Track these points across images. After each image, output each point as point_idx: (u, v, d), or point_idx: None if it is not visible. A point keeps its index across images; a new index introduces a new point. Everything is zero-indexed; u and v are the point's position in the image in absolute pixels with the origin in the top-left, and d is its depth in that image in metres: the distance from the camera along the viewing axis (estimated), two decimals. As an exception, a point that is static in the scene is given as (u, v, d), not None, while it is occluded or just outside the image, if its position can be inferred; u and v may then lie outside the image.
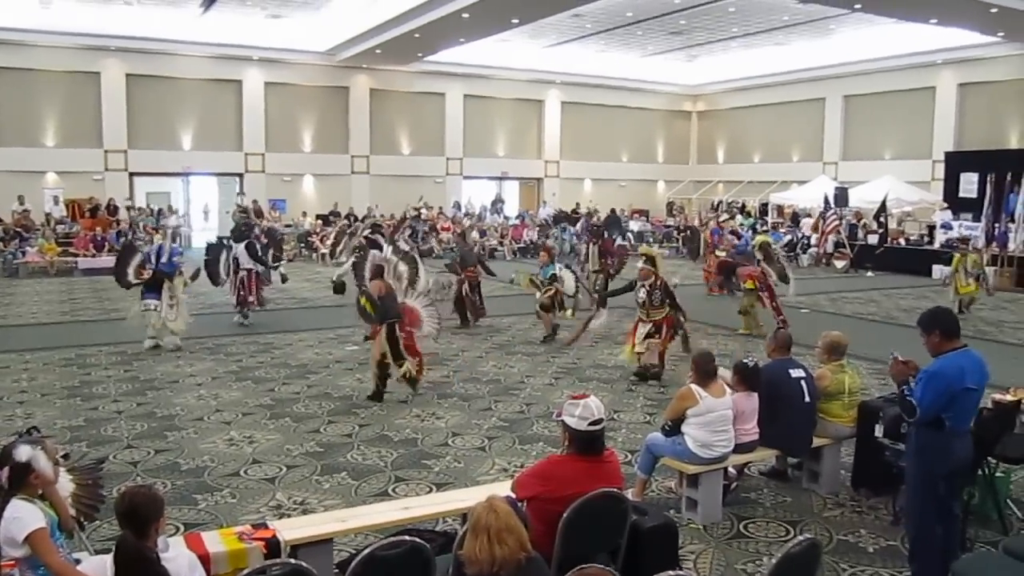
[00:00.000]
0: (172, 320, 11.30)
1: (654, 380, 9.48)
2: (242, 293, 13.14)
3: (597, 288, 15.15)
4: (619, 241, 17.29)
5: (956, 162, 24.05)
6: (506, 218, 30.23)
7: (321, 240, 24.02)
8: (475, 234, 23.74)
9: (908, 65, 26.35)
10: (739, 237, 17.99)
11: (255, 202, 25.85)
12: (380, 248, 11.82)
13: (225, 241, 14.22)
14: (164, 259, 11.40)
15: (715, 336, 12.48)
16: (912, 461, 4.66)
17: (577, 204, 29.48)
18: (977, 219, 20.81)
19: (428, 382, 9.45)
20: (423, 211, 27.24)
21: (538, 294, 12.20)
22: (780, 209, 28.83)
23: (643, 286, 9.57)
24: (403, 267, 10.39)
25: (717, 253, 16.15)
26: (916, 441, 4.59)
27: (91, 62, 24.92)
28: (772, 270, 12.85)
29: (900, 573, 4.94)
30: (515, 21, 22.22)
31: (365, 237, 13.57)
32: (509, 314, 13.89)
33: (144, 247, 12.27)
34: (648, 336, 9.51)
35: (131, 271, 11.46)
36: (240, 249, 13.17)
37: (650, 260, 9.76)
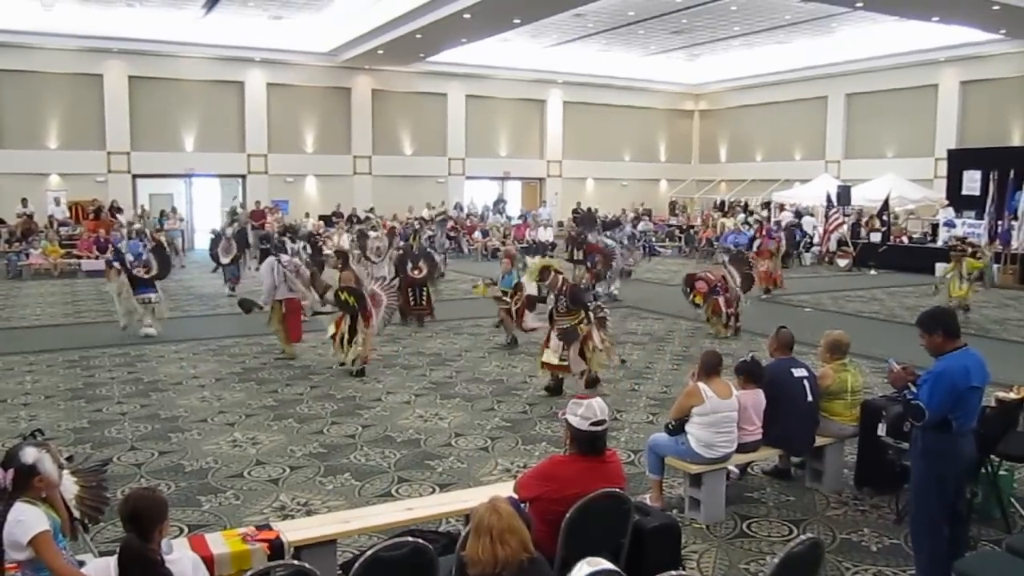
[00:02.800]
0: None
1: (591, 386, 8.70)
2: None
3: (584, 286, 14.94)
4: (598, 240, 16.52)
5: (959, 160, 24.00)
6: (508, 218, 30.24)
7: (324, 241, 23.96)
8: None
9: (910, 63, 26.30)
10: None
11: (257, 203, 25.86)
12: (285, 251, 12.35)
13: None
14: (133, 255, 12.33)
15: (712, 337, 12.48)
16: (918, 464, 4.62)
17: (578, 203, 29.47)
18: (980, 217, 20.80)
19: (431, 382, 9.49)
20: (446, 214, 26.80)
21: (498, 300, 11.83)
22: (781, 208, 28.79)
23: (553, 294, 9.12)
24: (305, 269, 11.21)
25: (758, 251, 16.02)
26: (923, 444, 4.53)
27: (93, 64, 24.97)
28: (737, 273, 12.56)
29: (903, 572, 4.93)
30: (516, 21, 22.24)
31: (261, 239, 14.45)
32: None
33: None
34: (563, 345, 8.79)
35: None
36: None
37: (547, 269, 9.27)
